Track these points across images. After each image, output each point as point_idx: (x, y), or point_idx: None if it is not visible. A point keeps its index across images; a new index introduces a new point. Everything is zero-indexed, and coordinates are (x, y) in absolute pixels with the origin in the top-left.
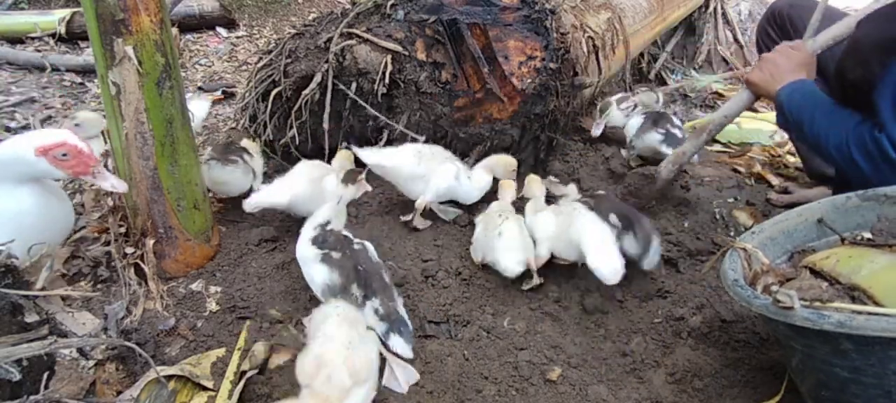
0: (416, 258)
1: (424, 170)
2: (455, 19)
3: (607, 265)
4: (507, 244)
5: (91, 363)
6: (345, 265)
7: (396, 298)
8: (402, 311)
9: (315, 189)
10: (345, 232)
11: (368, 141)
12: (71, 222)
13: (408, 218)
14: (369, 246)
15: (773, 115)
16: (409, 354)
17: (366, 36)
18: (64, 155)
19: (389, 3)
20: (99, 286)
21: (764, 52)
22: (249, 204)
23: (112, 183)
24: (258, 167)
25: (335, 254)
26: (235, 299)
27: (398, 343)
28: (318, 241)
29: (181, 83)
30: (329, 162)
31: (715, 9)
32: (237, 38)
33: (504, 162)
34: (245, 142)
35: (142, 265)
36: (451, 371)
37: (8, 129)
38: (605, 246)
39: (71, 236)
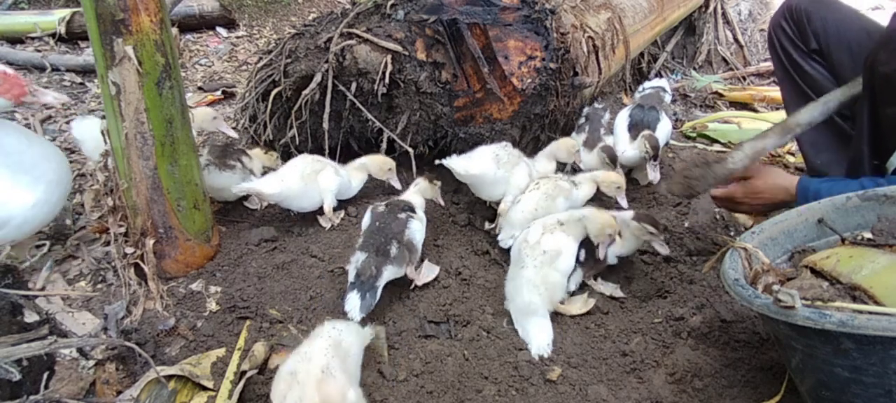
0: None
1: (504, 173)
2: (455, 19)
3: (536, 343)
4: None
5: (91, 363)
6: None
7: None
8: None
9: (309, 185)
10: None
11: (368, 141)
12: (65, 167)
13: (492, 226)
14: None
15: (774, 115)
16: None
17: (366, 36)
18: None
19: (389, 3)
20: (99, 286)
21: (776, 47)
22: (239, 188)
23: (53, 96)
24: (257, 170)
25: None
26: (235, 299)
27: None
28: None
29: (181, 83)
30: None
31: (715, 9)
32: (237, 38)
33: (566, 145)
34: (251, 149)
35: (142, 265)
36: (451, 371)
37: None
38: (537, 319)
39: (71, 234)
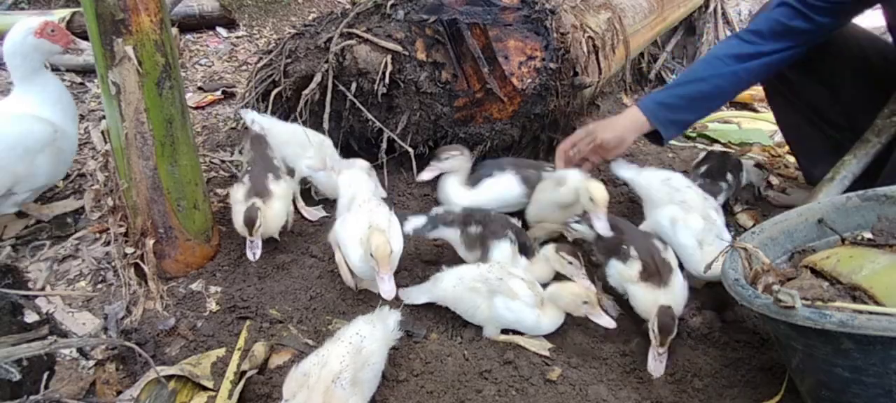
0: (416, 258)
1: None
2: (455, 19)
3: None
4: None
5: (91, 363)
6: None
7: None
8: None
9: (361, 184)
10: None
11: (369, 141)
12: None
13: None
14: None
15: (773, 116)
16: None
17: (366, 36)
18: (52, 31)
19: (389, 3)
20: (99, 286)
21: None
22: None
23: (85, 44)
24: None
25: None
26: (235, 299)
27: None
28: None
29: (181, 83)
30: None
31: (715, 9)
32: (237, 38)
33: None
34: None
35: (142, 265)
36: (451, 371)
37: None
38: None
39: (71, 233)
